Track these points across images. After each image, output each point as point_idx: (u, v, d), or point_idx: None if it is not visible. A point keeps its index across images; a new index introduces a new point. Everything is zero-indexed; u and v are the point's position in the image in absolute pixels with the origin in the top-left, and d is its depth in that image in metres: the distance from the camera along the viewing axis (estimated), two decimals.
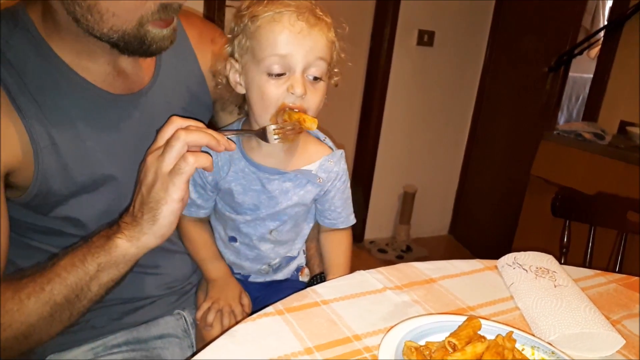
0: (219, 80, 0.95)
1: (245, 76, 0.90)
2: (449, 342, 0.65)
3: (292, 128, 0.86)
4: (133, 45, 0.80)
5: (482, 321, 0.71)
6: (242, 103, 0.99)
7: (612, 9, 2.76)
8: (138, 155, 0.94)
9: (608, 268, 1.51)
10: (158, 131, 0.80)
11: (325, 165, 1.00)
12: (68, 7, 0.76)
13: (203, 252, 1.04)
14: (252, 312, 1.01)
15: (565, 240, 1.53)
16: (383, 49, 2.97)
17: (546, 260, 0.95)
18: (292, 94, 0.85)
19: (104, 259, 0.77)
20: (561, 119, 3.63)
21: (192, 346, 1.07)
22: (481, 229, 3.35)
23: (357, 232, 3.27)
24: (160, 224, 0.76)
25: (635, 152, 2.03)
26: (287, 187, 0.98)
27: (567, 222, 1.53)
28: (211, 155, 0.83)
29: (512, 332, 0.70)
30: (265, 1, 0.86)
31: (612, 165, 2.06)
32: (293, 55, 0.84)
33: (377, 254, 3.18)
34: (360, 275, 0.89)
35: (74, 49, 0.84)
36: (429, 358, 0.64)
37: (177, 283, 1.07)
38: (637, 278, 1.01)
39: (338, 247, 1.09)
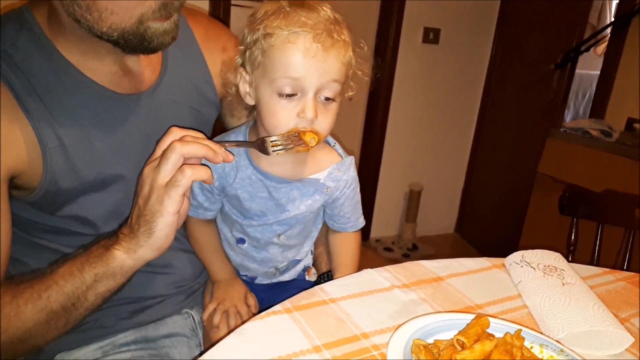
0: (229, 89, 0.93)
1: (255, 90, 0.88)
2: (457, 340, 0.65)
3: (291, 142, 0.84)
4: (133, 42, 0.80)
5: (491, 319, 0.70)
6: (251, 107, 0.97)
7: (619, 5, 2.74)
8: (146, 154, 0.94)
9: (616, 265, 1.51)
10: (157, 142, 0.79)
11: (334, 174, 0.98)
12: (67, 9, 0.76)
13: (209, 253, 1.04)
14: (259, 313, 1.02)
15: (572, 238, 1.52)
16: (389, 46, 2.96)
17: (554, 258, 0.95)
18: (303, 118, 0.83)
19: (101, 270, 0.77)
20: (568, 116, 3.61)
21: (200, 345, 1.07)
22: (488, 227, 3.34)
23: (363, 230, 3.23)
24: (157, 237, 0.76)
25: None
26: (295, 196, 0.97)
27: (575, 219, 1.52)
28: (209, 167, 0.82)
29: (520, 330, 0.69)
30: (281, 15, 0.82)
31: (620, 162, 2.05)
32: (306, 79, 0.81)
33: (383, 252, 3.18)
34: (368, 273, 0.89)
35: (80, 50, 0.84)
36: (437, 356, 0.64)
37: (186, 282, 1.08)
38: None
39: (347, 247, 1.09)
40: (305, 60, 0.80)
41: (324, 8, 0.84)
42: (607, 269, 1.02)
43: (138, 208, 0.77)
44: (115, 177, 0.90)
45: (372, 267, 0.92)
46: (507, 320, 0.74)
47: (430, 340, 0.68)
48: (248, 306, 1.02)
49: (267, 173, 0.94)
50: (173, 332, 1.04)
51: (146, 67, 0.95)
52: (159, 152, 0.78)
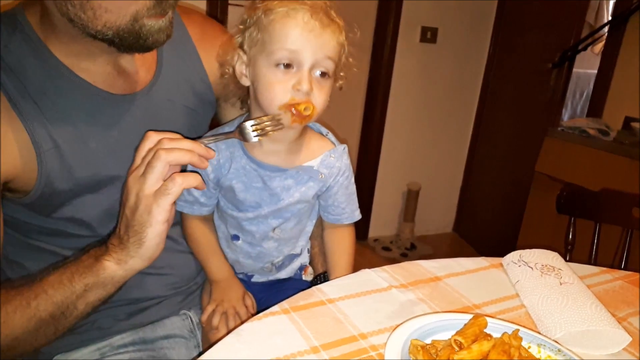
0: (226, 70, 0.96)
1: (252, 68, 0.91)
2: (455, 340, 0.65)
3: (270, 124, 0.87)
4: (128, 40, 0.79)
5: (488, 319, 0.71)
6: (246, 97, 1.00)
7: (616, 4, 2.75)
8: None
9: (613, 264, 1.51)
10: (135, 149, 0.78)
11: (327, 160, 1.00)
12: (61, 8, 0.75)
13: (206, 252, 1.04)
14: (257, 313, 1.02)
15: (570, 237, 1.52)
16: (386, 45, 2.96)
17: (552, 258, 0.95)
18: (299, 90, 0.86)
19: (91, 280, 0.77)
20: (565, 115, 3.62)
21: (198, 346, 1.07)
22: (486, 226, 3.34)
23: (361, 230, 3.27)
24: (147, 247, 0.76)
25: None
26: (289, 184, 0.98)
27: (572, 218, 1.52)
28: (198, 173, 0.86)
29: (518, 330, 0.70)
30: None
31: (617, 161, 2.05)
32: (302, 52, 0.85)
33: (381, 251, 3.18)
34: (366, 273, 0.89)
35: (73, 51, 0.84)
36: (435, 357, 0.64)
37: (183, 283, 1.08)
38: None
39: (341, 246, 1.09)
40: (303, 34, 0.85)
41: None
42: (604, 268, 1.02)
43: (125, 218, 0.76)
44: (110, 178, 0.90)
45: (370, 266, 0.92)
46: (505, 320, 0.74)
47: (428, 341, 0.68)
48: (246, 307, 1.02)
49: (261, 162, 0.96)
50: (171, 333, 1.04)
51: (141, 67, 0.94)
52: (138, 159, 0.77)
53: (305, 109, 0.86)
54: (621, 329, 0.76)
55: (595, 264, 1.06)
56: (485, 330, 0.69)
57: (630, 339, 0.76)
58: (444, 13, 3.03)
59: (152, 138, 0.77)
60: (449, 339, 0.67)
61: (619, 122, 2.40)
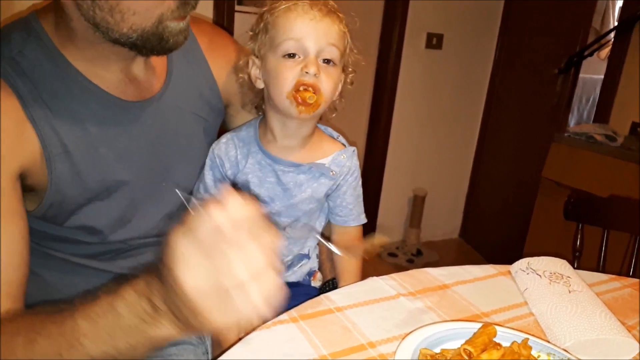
0: (241, 76, 1.01)
1: (264, 68, 0.96)
2: (464, 349, 0.65)
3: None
4: (151, 42, 0.81)
5: (497, 328, 0.70)
6: (260, 103, 1.03)
7: (622, 10, 2.75)
8: (150, 161, 0.95)
9: (621, 272, 1.50)
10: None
11: (338, 159, 1.03)
12: (87, 13, 0.76)
13: None
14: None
15: (578, 244, 1.52)
16: (392, 52, 2.96)
17: (560, 265, 0.95)
18: (307, 72, 0.90)
19: (138, 340, 0.63)
20: (572, 121, 3.61)
21: (207, 353, 1.07)
22: (492, 232, 3.33)
23: (367, 235, 3.25)
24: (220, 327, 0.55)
25: None
26: (302, 180, 1.01)
27: (580, 225, 1.52)
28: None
29: (527, 339, 0.69)
30: None
31: (624, 167, 2.04)
32: (306, 39, 0.90)
33: (387, 257, 3.17)
34: (374, 281, 0.89)
35: (87, 57, 0.85)
36: None
37: None
38: None
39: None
40: (304, 22, 0.90)
41: None
42: (613, 276, 1.02)
43: (196, 305, 0.53)
44: (119, 184, 0.91)
45: (376, 272, 0.92)
46: (514, 329, 0.74)
47: (437, 350, 0.68)
48: None
49: (276, 157, 1.00)
50: (179, 339, 1.04)
51: (151, 74, 0.96)
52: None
53: (309, 97, 0.90)
54: (631, 338, 0.76)
55: (603, 271, 1.06)
56: (494, 339, 0.68)
57: None
58: (450, 19, 3.03)
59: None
60: (459, 348, 0.67)
61: (625, 127, 2.39)
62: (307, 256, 1.12)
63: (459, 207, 3.57)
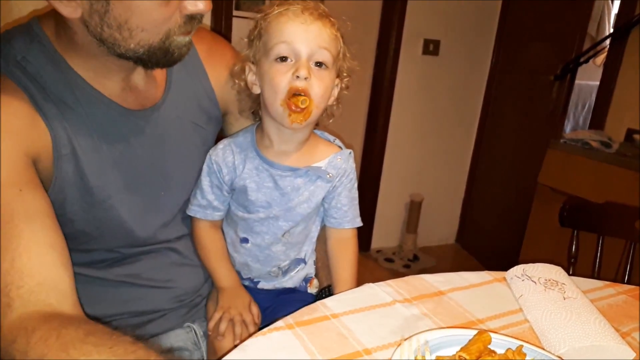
0: (237, 82, 1.02)
1: (258, 73, 0.97)
2: (459, 356, 0.66)
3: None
4: (157, 56, 0.82)
5: (492, 335, 0.71)
6: (257, 108, 1.04)
7: (617, 16, 2.76)
8: (148, 169, 0.96)
9: (617, 278, 1.51)
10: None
11: (334, 162, 1.04)
12: (94, 30, 0.77)
13: (215, 259, 1.06)
14: (262, 324, 1.02)
15: (573, 250, 1.52)
16: (389, 58, 2.98)
17: (555, 272, 0.95)
18: (298, 77, 0.90)
19: None
20: (568, 126, 3.62)
21: (203, 359, 1.07)
22: (488, 238, 3.34)
23: (364, 241, 3.26)
24: None
25: None
26: (299, 184, 1.02)
27: (575, 231, 1.53)
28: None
29: (522, 345, 0.70)
30: (277, 3, 0.95)
31: (619, 173, 2.05)
32: (297, 42, 0.91)
33: (384, 263, 3.17)
34: (369, 288, 0.89)
35: (90, 66, 0.85)
36: None
37: (187, 296, 1.08)
38: None
39: (344, 259, 1.10)
40: (294, 25, 0.91)
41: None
42: (608, 282, 1.02)
43: None
44: (117, 191, 0.91)
45: (373, 277, 0.92)
46: (509, 336, 0.74)
47: (433, 357, 0.68)
48: (252, 315, 1.02)
49: (273, 162, 1.01)
50: (175, 346, 1.05)
51: (151, 84, 0.96)
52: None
53: (302, 101, 0.90)
54: (625, 345, 0.76)
55: (598, 278, 1.06)
56: (489, 346, 0.69)
57: (635, 354, 0.76)
58: (446, 26, 3.05)
59: None
60: (454, 355, 0.67)
61: (621, 134, 2.41)
62: (304, 261, 1.12)
63: (455, 212, 3.58)
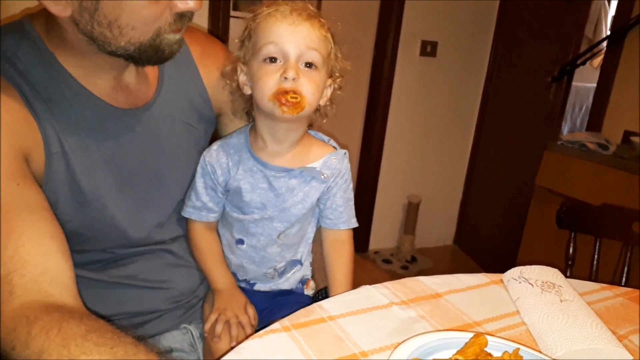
0: (229, 83, 1.02)
1: (249, 73, 0.97)
2: (455, 359, 0.65)
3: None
4: (148, 53, 0.82)
5: (489, 338, 0.70)
6: (250, 109, 1.04)
7: (614, 19, 2.76)
8: (140, 168, 0.95)
9: (614, 280, 1.51)
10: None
11: (329, 162, 1.04)
12: (84, 27, 0.77)
13: (210, 261, 1.06)
14: (259, 325, 1.02)
15: (570, 252, 1.52)
16: (386, 59, 2.98)
17: (552, 274, 0.95)
18: (286, 78, 0.90)
19: None
20: (565, 128, 3.62)
21: None
22: (486, 239, 3.34)
23: (362, 242, 3.26)
24: None
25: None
26: (293, 185, 1.02)
27: (572, 233, 1.53)
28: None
29: (518, 349, 0.69)
30: (266, 4, 0.94)
31: (616, 175, 2.06)
32: (285, 43, 0.91)
33: (381, 264, 3.17)
34: (366, 290, 0.89)
35: (81, 64, 0.85)
36: None
37: (184, 297, 1.08)
38: None
39: (340, 261, 1.09)
40: (283, 26, 0.91)
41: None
42: (605, 285, 1.02)
43: None
44: (108, 191, 0.91)
45: (370, 279, 0.92)
46: (506, 338, 0.74)
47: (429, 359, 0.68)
48: (248, 316, 1.02)
49: (267, 163, 1.00)
50: (172, 347, 1.04)
51: (143, 83, 0.96)
52: None
53: (291, 96, 0.90)
54: (622, 348, 0.76)
55: (596, 280, 1.06)
56: (485, 349, 0.69)
57: (631, 357, 0.76)
58: (444, 27, 3.05)
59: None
60: (450, 358, 0.67)
61: (618, 136, 2.41)
62: (300, 262, 1.12)
63: (453, 213, 3.58)
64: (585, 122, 3.03)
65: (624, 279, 1.43)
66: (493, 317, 0.85)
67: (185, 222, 1.07)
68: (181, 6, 0.79)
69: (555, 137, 2.60)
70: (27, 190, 0.76)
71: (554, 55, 2.72)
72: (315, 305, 0.82)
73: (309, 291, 1.15)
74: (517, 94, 3.07)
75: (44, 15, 0.83)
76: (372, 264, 3.18)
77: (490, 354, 0.67)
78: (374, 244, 3.34)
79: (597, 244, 1.48)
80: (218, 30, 2.33)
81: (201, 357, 1.07)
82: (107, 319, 0.83)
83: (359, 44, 2.96)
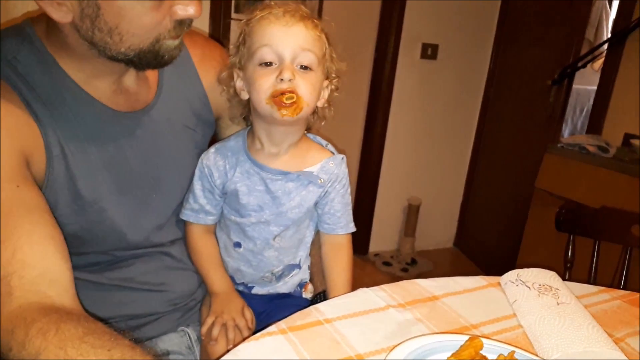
0: (226, 89, 1.02)
1: (245, 78, 0.97)
2: None
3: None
4: (148, 59, 0.83)
5: (484, 340, 0.71)
6: (248, 114, 1.04)
7: (615, 22, 2.76)
8: (139, 171, 0.96)
9: (613, 283, 1.51)
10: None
11: (327, 166, 1.04)
12: (85, 33, 0.78)
13: (208, 264, 1.06)
14: (257, 328, 1.02)
15: (569, 254, 1.52)
16: (387, 62, 2.98)
17: (549, 277, 0.95)
18: (282, 79, 0.90)
19: None
20: (566, 130, 3.63)
21: None
22: (486, 241, 3.34)
23: (362, 244, 3.26)
24: None
25: None
26: (290, 188, 1.01)
27: (572, 236, 1.52)
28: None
29: (513, 351, 0.70)
30: (259, 8, 0.95)
31: (617, 178, 2.05)
32: (279, 45, 0.91)
33: (381, 266, 3.17)
34: (364, 292, 0.89)
35: (81, 68, 0.86)
36: None
37: (182, 299, 1.08)
38: None
39: (339, 264, 1.09)
40: (276, 28, 0.91)
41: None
42: (602, 288, 1.02)
43: None
44: (106, 194, 0.91)
45: (370, 281, 0.92)
46: (502, 341, 0.74)
47: None
48: (245, 319, 1.02)
49: (264, 165, 1.00)
50: (169, 350, 1.04)
51: (143, 86, 0.96)
52: None
53: (287, 98, 0.90)
54: (618, 351, 0.76)
55: (594, 283, 1.06)
56: (481, 352, 0.69)
57: None
58: (445, 30, 3.05)
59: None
60: None
61: (618, 138, 2.41)
62: (298, 266, 1.12)
63: (453, 216, 3.58)
64: (585, 124, 3.03)
65: (622, 282, 1.43)
66: (490, 320, 0.85)
67: (182, 226, 1.08)
68: (181, 13, 0.80)
69: (556, 139, 2.60)
70: (27, 192, 0.77)
71: (554, 57, 2.72)
72: (312, 307, 0.82)
73: (307, 294, 1.14)
74: (517, 96, 3.07)
75: (45, 19, 0.84)
76: (372, 267, 3.18)
77: (485, 357, 0.67)
78: (374, 246, 3.34)
79: (596, 247, 1.48)
80: (219, 32, 2.33)
81: None
82: (105, 321, 0.83)
83: (360, 47, 2.97)
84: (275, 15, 0.92)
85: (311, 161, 1.04)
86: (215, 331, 0.98)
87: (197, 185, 1.04)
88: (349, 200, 1.10)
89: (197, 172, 1.04)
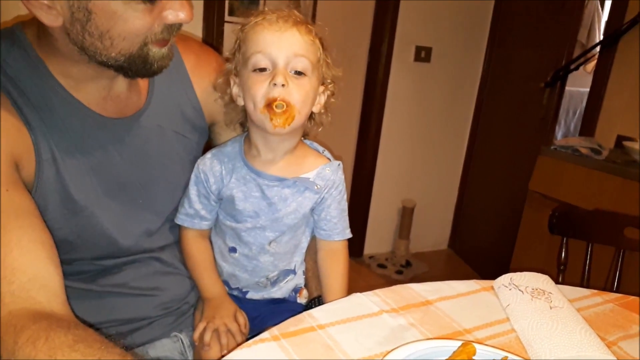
0: (222, 96, 1.02)
1: (240, 84, 0.97)
2: None
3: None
4: (138, 65, 0.82)
5: (477, 346, 0.71)
6: (244, 120, 1.04)
7: (607, 24, 2.77)
8: (127, 178, 0.95)
9: (606, 286, 1.51)
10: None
11: (323, 173, 1.04)
12: (75, 38, 0.77)
13: (201, 269, 1.06)
14: (251, 333, 1.02)
15: (562, 257, 1.52)
16: (381, 65, 2.99)
17: (542, 281, 0.95)
18: (275, 85, 0.90)
19: None
20: (559, 132, 3.64)
21: None
22: (481, 243, 3.34)
23: (356, 247, 3.26)
24: None
25: (632, 167, 2.03)
26: (286, 194, 1.01)
27: (565, 239, 1.53)
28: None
29: (506, 357, 0.70)
30: (254, 14, 0.95)
31: (609, 180, 2.06)
32: (272, 50, 0.91)
33: (376, 269, 3.17)
34: (357, 297, 0.89)
35: (70, 73, 0.85)
36: None
37: (174, 303, 1.07)
38: (634, 297, 1.01)
39: (334, 270, 1.09)
40: (269, 33, 0.91)
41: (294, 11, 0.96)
42: (595, 291, 1.03)
43: None
44: (95, 200, 0.91)
45: (365, 284, 0.92)
46: (495, 346, 0.74)
47: None
48: (238, 324, 1.02)
49: (260, 171, 1.00)
50: (162, 355, 1.04)
51: (133, 92, 0.96)
52: None
53: (277, 105, 0.90)
54: (610, 355, 0.76)
55: (587, 285, 1.06)
56: (474, 358, 0.69)
57: None
58: (438, 33, 3.06)
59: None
60: None
61: (611, 140, 2.42)
62: (293, 271, 1.12)
63: (447, 218, 3.59)
64: (578, 126, 3.04)
65: (615, 284, 1.43)
66: (483, 325, 0.85)
67: (175, 231, 1.07)
68: (172, 18, 0.80)
69: (549, 142, 2.61)
70: (16, 197, 0.76)
71: (547, 60, 2.73)
72: (305, 313, 0.82)
73: (302, 300, 1.14)
74: (510, 99, 3.08)
75: (36, 23, 0.83)
76: (366, 269, 3.18)
77: None
78: (369, 248, 3.34)
79: (589, 249, 1.48)
80: (213, 36, 2.32)
81: None
82: (96, 327, 0.83)
83: (354, 50, 2.97)
84: (269, 21, 0.92)
85: (308, 167, 1.04)
86: (207, 336, 0.98)
87: (192, 190, 1.03)
88: (345, 206, 1.10)
89: (192, 177, 1.04)
